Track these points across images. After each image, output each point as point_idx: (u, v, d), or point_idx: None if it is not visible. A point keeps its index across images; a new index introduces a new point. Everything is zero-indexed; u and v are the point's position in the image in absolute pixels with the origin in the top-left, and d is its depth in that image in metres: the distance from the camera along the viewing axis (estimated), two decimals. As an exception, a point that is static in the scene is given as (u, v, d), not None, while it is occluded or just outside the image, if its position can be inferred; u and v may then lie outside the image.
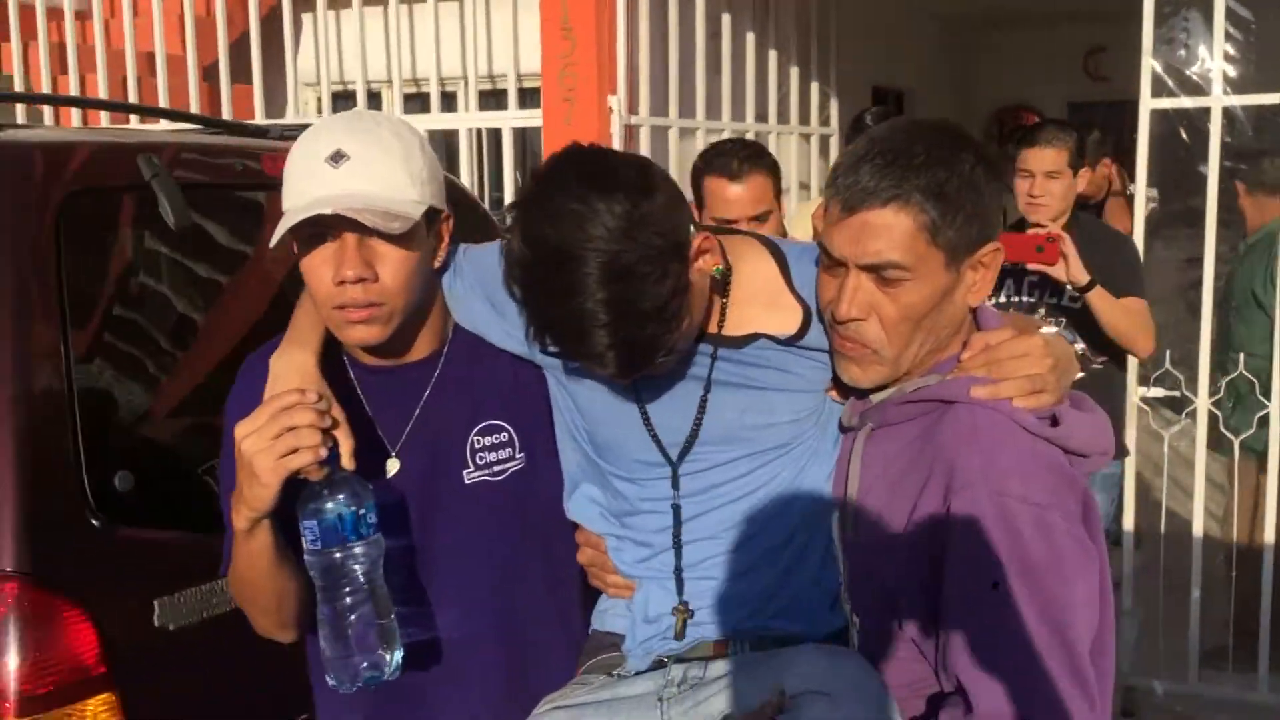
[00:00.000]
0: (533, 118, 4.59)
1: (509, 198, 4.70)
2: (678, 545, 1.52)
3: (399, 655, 1.43)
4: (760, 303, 1.49)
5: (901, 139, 1.36)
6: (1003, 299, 3.30)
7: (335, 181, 1.42)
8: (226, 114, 4.91)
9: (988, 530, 1.29)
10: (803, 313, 1.48)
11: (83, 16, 5.44)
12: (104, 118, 5.00)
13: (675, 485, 1.52)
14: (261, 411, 1.37)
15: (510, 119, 4.67)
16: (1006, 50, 8.43)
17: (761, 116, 5.33)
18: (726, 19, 4.95)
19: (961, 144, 1.36)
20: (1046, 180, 3.22)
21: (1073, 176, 3.25)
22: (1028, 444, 1.34)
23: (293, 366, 1.46)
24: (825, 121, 5.85)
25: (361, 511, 1.39)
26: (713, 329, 1.49)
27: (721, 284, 1.48)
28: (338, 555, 1.39)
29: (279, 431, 1.35)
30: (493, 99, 5.13)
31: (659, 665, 1.51)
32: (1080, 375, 1.49)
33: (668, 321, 1.32)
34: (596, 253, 1.27)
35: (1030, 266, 3.12)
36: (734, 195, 2.65)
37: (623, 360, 1.32)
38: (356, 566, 1.40)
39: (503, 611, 1.61)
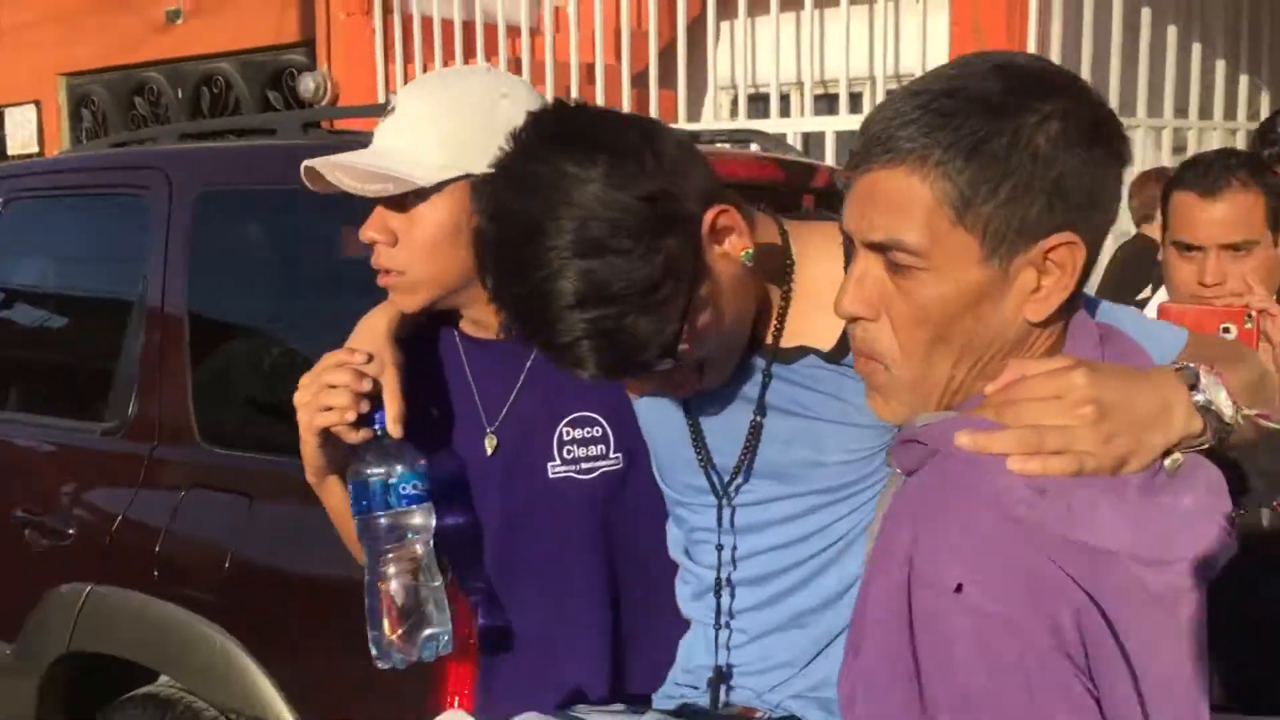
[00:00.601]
0: (938, 117, 4.70)
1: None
2: (718, 590, 1.32)
3: (433, 638, 1.33)
4: (820, 307, 1.19)
5: (947, 76, 0.98)
6: None
7: (377, 135, 1.38)
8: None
9: (906, 635, 0.92)
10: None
11: (535, 33, 6.15)
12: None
13: (720, 522, 1.31)
14: (317, 366, 1.35)
15: (915, 118, 4.80)
16: None
17: (1181, 111, 5.13)
18: (1146, 12, 4.82)
19: (1037, 89, 0.96)
20: None
21: None
22: (994, 523, 0.91)
23: (367, 325, 1.41)
24: (1254, 115, 5.49)
25: (393, 481, 1.31)
26: (768, 339, 1.25)
27: (780, 280, 1.25)
28: (377, 521, 1.32)
29: (319, 388, 1.32)
30: (898, 98, 5.28)
31: (683, 710, 1.35)
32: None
33: (657, 309, 1.09)
34: (563, 222, 1.08)
35: None
36: (1204, 216, 2.03)
37: (602, 356, 1.10)
38: (393, 538, 1.32)
39: (586, 616, 1.46)
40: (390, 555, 1.32)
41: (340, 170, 1.33)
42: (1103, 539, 0.92)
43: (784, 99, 5.48)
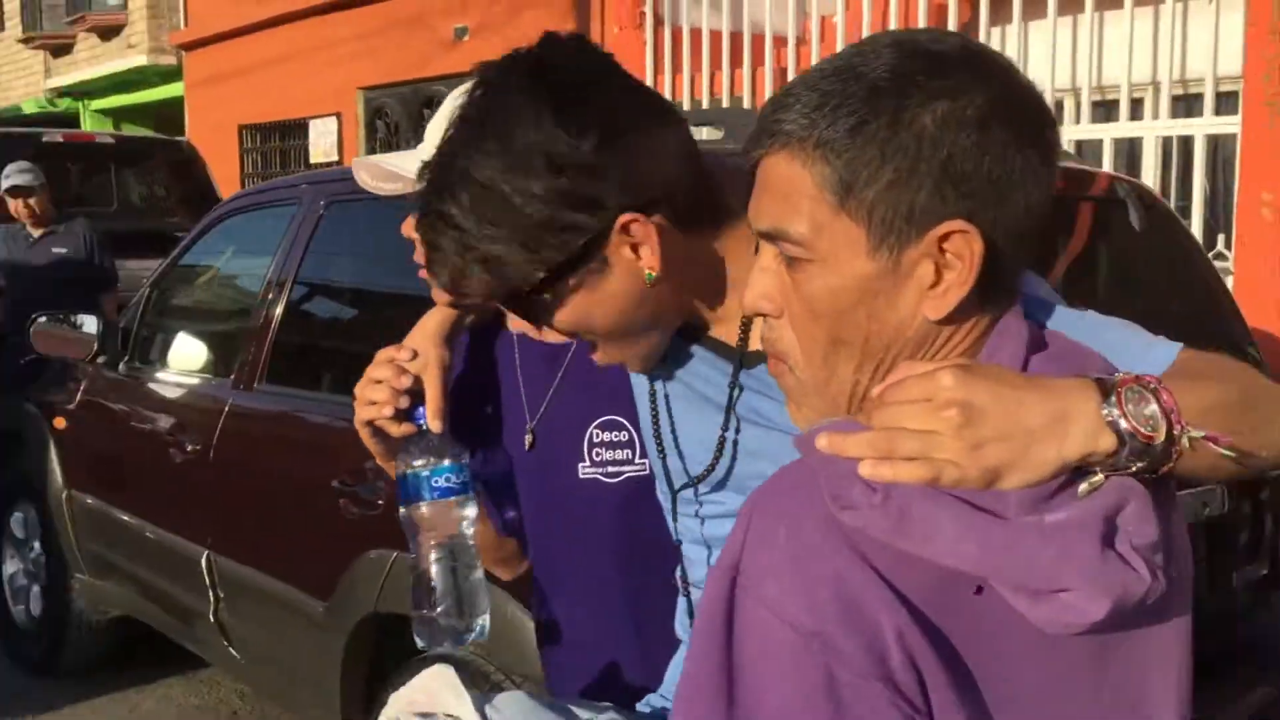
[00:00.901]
0: (1228, 124, 4.47)
1: (1197, 209, 4.61)
2: (689, 606, 1.31)
3: (470, 626, 1.35)
4: None
5: (843, 56, 0.92)
6: None
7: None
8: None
9: (721, 647, 0.86)
10: None
11: (801, 42, 6.21)
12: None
13: (674, 519, 1.31)
14: (371, 363, 1.40)
15: (1204, 125, 4.58)
16: None
17: None
18: None
19: (929, 68, 0.88)
20: None
21: None
22: (817, 528, 0.84)
23: (421, 323, 1.45)
24: None
25: (431, 473, 1.33)
26: (726, 336, 1.22)
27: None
28: (418, 511, 1.35)
29: (366, 383, 1.37)
30: (1181, 104, 5.04)
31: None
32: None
33: (517, 264, 1.12)
34: (489, 144, 1.11)
35: None
36: None
37: (453, 272, 1.15)
38: (431, 527, 1.35)
39: (600, 618, 1.47)
40: (431, 544, 1.35)
41: (364, 169, 1.40)
42: (942, 554, 0.82)
43: (1058, 105, 5.32)
